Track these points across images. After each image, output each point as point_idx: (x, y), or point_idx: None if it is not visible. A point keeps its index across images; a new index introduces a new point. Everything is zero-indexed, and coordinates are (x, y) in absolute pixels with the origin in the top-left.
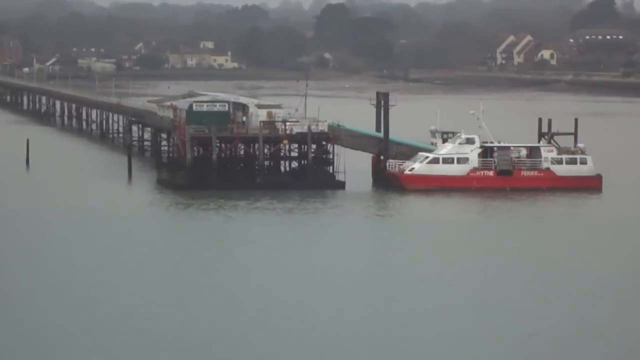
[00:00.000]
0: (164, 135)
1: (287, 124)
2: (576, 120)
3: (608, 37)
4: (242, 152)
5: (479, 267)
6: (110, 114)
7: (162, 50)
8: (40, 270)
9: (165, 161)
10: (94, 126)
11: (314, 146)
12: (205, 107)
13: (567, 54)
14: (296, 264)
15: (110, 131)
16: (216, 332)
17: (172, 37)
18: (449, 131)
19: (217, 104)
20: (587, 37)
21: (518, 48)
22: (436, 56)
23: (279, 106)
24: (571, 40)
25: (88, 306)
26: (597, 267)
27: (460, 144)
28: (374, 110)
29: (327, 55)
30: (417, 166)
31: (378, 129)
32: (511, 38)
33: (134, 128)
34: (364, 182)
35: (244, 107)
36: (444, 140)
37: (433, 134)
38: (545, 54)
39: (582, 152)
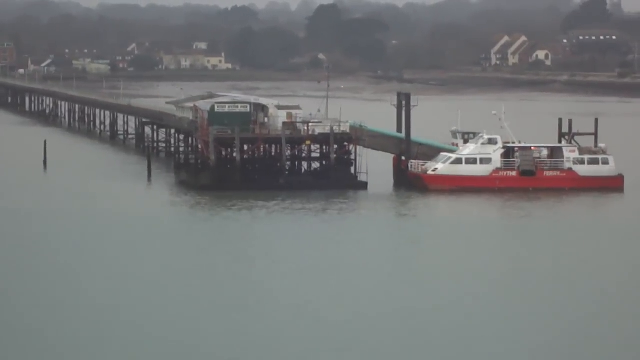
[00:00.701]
0: (181, 137)
1: (310, 124)
2: (596, 120)
3: (601, 37)
4: (264, 153)
5: (505, 266)
6: (121, 115)
7: (156, 52)
8: (77, 271)
9: (185, 162)
10: (102, 127)
11: (335, 147)
12: (227, 108)
13: (561, 55)
14: (324, 263)
15: (121, 132)
16: (240, 327)
17: (164, 38)
18: (470, 132)
19: (239, 105)
20: (581, 37)
21: (513, 49)
22: (430, 57)
23: (298, 107)
24: (565, 41)
25: (121, 306)
26: (619, 267)
27: (482, 144)
28: (382, 109)
29: (321, 56)
30: (441, 167)
31: (399, 130)
32: (505, 39)
33: (147, 129)
34: (386, 182)
35: (263, 108)
36: (465, 141)
37: (454, 134)
38: (540, 54)
39: (604, 152)
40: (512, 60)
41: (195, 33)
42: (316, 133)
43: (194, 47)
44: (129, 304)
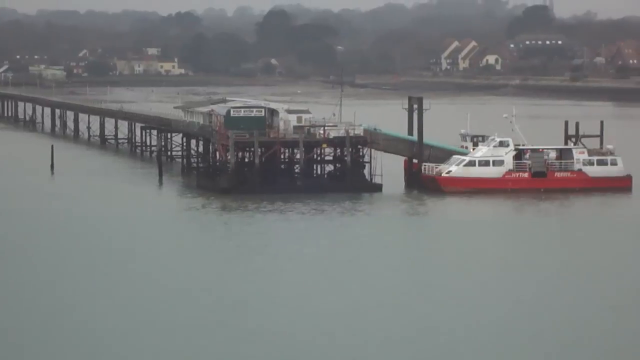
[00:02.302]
0: (191, 141)
1: (325, 128)
2: (602, 122)
3: (547, 42)
4: (281, 157)
5: (522, 263)
6: (112, 120)
7: (109, 57)
8: (105, 269)
9: (202, 166)
10: (89, 132)
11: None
12: (242, 113)
13: (508, 59)
14: (347, 263)
15: (112, 137)
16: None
17: (114, 44)
18: (479, 134)
19: (254, 110)
20: (527, 42)
21: (463, 53)
22: (380, 62)
23: (307, 111)
24: (512, 46)
25: (150, 305)
26: (630, 263)
27: (494, 147)
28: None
29: (273, 61)
30: (454, 169)
31: (410, 133)
32: (455, 44)
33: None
34: (399, 184)
35: (272, 112)
36: (474, 144)
37: (463, 137)
38: (490, 59)
39: (612, 154)
40: (463, 64)
41: (145, 39)
42: (331, 136)
43: (148, 52)
44: (157, 303)
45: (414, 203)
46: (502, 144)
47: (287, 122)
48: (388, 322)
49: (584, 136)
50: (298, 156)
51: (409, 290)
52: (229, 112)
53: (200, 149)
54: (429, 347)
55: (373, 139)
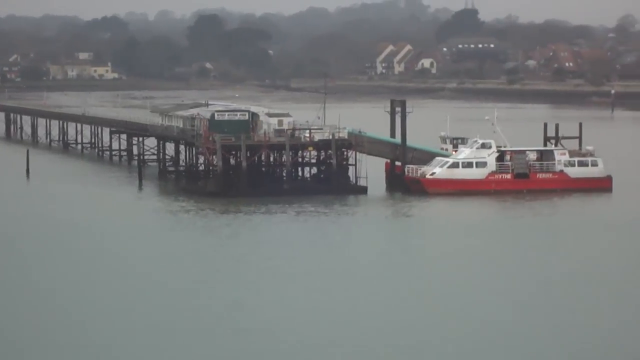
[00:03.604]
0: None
1: (311, 131)
2: (580, 124)
3: (480, 45)
4: (267, 160)
5: (513, 265)
6: (76, 125)
7: (42, 62)
8: (98, 271)
9: (186, 170)
10: (48, 137)
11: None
12: (226, 117)
13: (441, 63)
14: (336, 264)
15: (75, 142)
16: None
17: (45, 48)
18: (459, 137)
19: (238, 113)
20: (460, 46)
21: (398, 57)
22: (314, 66)
23: (287, 115)
24: (445, 49)
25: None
26: (609, 262)
27: (477, 148)
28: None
29: (208, 65)
30: (438, 170)
31: (392, 136)
32: (390, 48)
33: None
34: (381, 187)
35: (253, 116)
36: (454, 146)
37: (443, 139)
38: (426, 62)
39: (592, 155)
40: (398, 68)
41: (75, 43)
42: (316, 139)
43: (80, 57)
44: (146, 305)
45: (400, 205)
46: (484, 145)
47: (268, 125)
48: (377, 323)
49: (564, 138)
50: (284, 159)
51: (400, 291)
52: (213, 115)
53: (181, 153)
54: (418, 349)
55: (358, 142)
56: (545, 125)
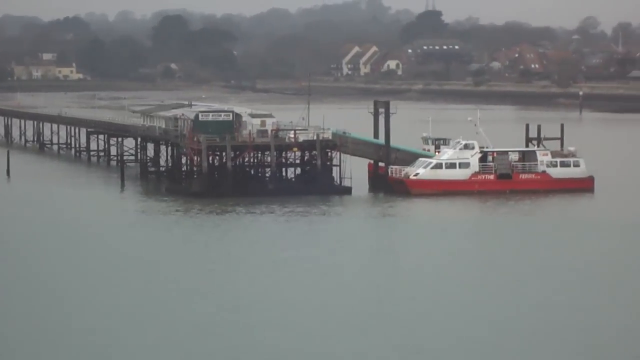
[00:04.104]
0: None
1: (296, 132)
2: (562, 125)
3: (445, 47)
4: (252, 160)
5: (499, 264)
6: (51, 125)
7: (6, 62)
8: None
9: (169, 170)
10: (22, 138)
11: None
12: (210, 117)
13: (406, 64)
14: (324, 264)
15: (52, 143)
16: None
17: (8, 48)
18: (441, 138)
19: (222, 114)
20: (425, 47)
21: (364, 59)
22: (279, 67)
23: (270, 115)
24: (410, 51)
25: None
26: (589, 261)
27: (460, 149)
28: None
29: (173, 65)
30: (422, 171)
31: (376, 136)
32: (356, 49)
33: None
34: (364, 187)
35: (236, 116)
36: (437, 147)
37: (425, 140)
38: (392, 64)
39: (574, 155)
40: (364, 70)
41: (38, 44)
42: (300, 140)
43: (42, 57)
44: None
45: (384, 205)
46: (467, 146)
47: (252, 126)
48: (365, 324)
49: (546, 139)
50: (268, 160)
51: (385, 290)
52: (197, 116)
53: (162, 153)
54: (409, 349)
55: (342, 143)
56: (527, 126)
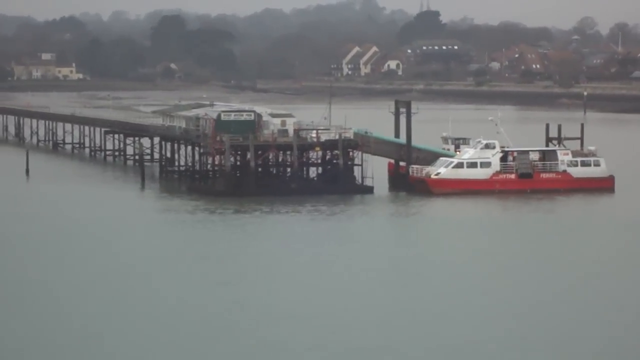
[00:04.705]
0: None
1: (318, 132)
2: (582, 125)
3: (444, 47)
4: (275, 160)
5: (526, 263)
6: (64, 125)
7: (5, 62)
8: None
9: (190, 170)
10: (34, 138)
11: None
12: (232, 117)
13: (406, 65)
14: (346, 263)
15: (68, 143)
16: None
17: (6, 48)
18: (460, 137)
19: (244, 114)
20: (424, 47)
21: (365, 59)
22: (280, 67)
23: (290, 115)
24: (409, 51)
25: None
26: (610, 259)
27: (481, 149)
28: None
29: (172, 65)
30: (443, 171)
31: (396, 136)
32: (356, 49)
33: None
34: (383, 186)
35: (256, 116)
36: (456, 146)
37: (445, 140)
38: (392, 64)
39: (594, 155)
40: (365, 70)
41: (36, 44)
42: (322, 139)
43: (41, 57)
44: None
45: (406, 204)
46: (488, 146)
47: (274, 125)
48: (389, 321)
49: (567, 138)
50: (290, 159)
51: (411, 290)
52: (219, 116)
53: (181, 153)
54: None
55: (364, 142)
56: (547, 125)
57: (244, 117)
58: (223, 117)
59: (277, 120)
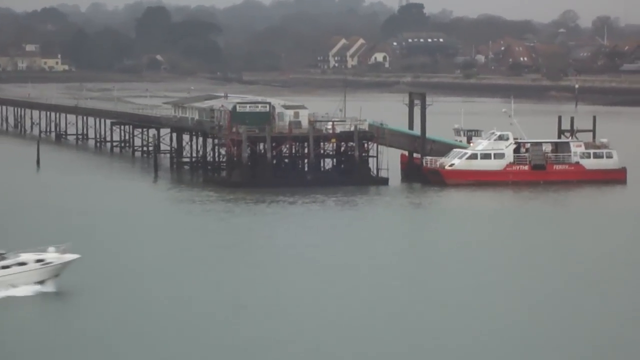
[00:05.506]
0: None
1: (333, 123)
2: (594, 117)
3: (429, 40)
4: (290, 151)
5: (539, 254)
6: (66, 116)
7: None
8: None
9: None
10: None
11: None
12: (248, 108)
13: (392, 57)
14: (363, 252)
15: (71, 134)
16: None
17: None
18: (472, 129)
19: (259, 105)
20: (410, 40)
21: (351, 51)
22: (265, 59)
23: (303, 107)
24: (395, 44)
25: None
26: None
27: (494, 140)
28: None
29: (158, 57)
30: (457, 162)
31: (410, 128)
32: (343, 41)
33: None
34: (396, 178)
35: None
36: (469, 138)
37: (457, 132)
38: (379, 56)
39: (606, 147)
40: (351, 62)
41: (20, 35)
42: (337, 131)
43: (25, 49)
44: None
45: (422, 195)
46: (501, 137)
47: (289, 117)
48: (404, 312)
49: (579, 130)
50: (305, 150)
51: (429, 280)
52: (235, 107)
53: (194, 144)
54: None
55: (379, 134)
56: (560, 118)
57: (259, 108)
58: (239, 108)
59: (290, 112)
